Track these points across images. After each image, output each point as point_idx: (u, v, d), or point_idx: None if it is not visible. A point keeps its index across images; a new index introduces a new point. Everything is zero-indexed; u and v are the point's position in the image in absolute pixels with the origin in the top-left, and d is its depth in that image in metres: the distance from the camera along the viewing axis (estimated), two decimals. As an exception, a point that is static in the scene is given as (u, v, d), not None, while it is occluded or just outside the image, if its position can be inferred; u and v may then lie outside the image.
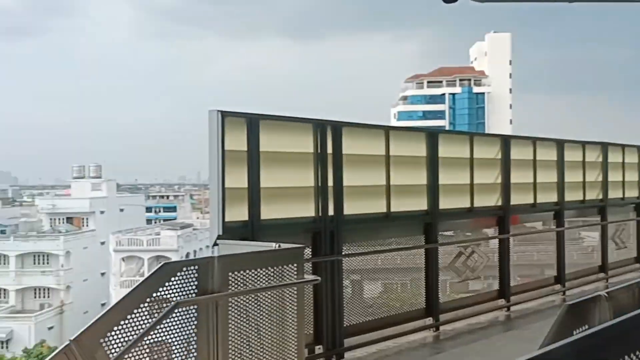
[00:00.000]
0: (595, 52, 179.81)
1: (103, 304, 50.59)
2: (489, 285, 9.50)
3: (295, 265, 4.84)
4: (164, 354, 4.15)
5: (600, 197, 12.12)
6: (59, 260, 56.24)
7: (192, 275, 4.22)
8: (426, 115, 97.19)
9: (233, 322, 4.41)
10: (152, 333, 4.00)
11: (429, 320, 8.05)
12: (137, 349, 3.93)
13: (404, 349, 7.36)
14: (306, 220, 6.64)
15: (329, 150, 6.75)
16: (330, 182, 6.76)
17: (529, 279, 10.78)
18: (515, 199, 9.70)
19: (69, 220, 61.01)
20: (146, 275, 4.20)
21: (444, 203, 8.31)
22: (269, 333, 4.62)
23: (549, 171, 10.71)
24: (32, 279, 56.16)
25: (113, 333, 3.84)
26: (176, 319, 4.13)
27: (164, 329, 4.09)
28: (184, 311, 4.18)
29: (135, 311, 3.93)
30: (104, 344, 3.80)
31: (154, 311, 4.01)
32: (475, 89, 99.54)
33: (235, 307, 4.43)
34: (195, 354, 4.23)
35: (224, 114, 5.70)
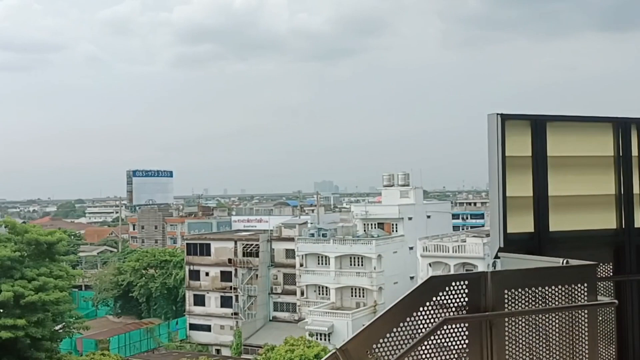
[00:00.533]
0: None
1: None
2: None
3: (585, 284, 4.22)
4: (429, 372, 3.91)
5: None
6: (371, 263, 59.77)
7: (461, 291, 3.99)
8: None
9: (509, 345, 4.03)
10: (417, 349, 3.83)
11: None
12: (402, 363, 3.77)
13: None
14: (606, 233, 5.87)
15: (634, 152, 5.86)
16: (636, 189, 5.86)
17: None
18: None
19: (380, 225, 64.40)
20: (412, 288, 3.94)
21: None
22: (552, 361, 4.14)
23: None
24: (348, 279, 60.70)
25: (378, 345, 3.75)
26: (444, 336, 3.94)
27: (430, 346, 3.89)
28: (452, 328, 3.96)
29: (401, 324, 3.82)
30: (369, 355, 3.74)
31: (421, 326, 3.86)
32: None
33: (512, 329, 4.06)
34: (464, 375, 3.94)
35: (504, 117, 5.36)
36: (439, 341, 3.91)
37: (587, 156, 5.90)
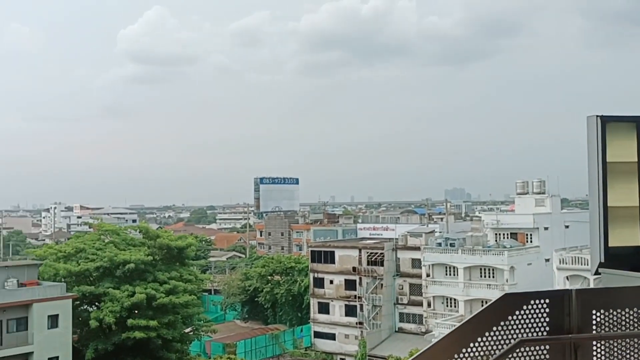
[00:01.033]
0: None
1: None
2: None
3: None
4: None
5: None
6: (503, 275, 56.85)
7: (541, 310, 3.74)
8: None
9: (600, 372, 3.69)
10: (490, 372, 3.57)
11: None
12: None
13: None
14: None
15: None
16: None
17: None
18: None
19: (513, 235, 61.37)
20: (485, 305, 3.66)
21: None
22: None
23: None
24: (478, 291, 58.00)
25: (447, 366, 3.48)
26: (520, 358, 3.68)
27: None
28: (530, 351, 3.69)
29: (471, 344, 3.54)
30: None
31: (494, 347, 3.59)
32: None
33: (602, 354, 3.74)
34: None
35: (605, 120, 5.06)
36: None
37: None
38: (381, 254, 64.82)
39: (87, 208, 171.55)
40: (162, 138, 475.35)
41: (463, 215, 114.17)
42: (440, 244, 60.92)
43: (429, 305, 60.72)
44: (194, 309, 48.14)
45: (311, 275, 69.20)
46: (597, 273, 5.01)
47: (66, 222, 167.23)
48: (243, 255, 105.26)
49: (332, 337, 66.82)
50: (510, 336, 3.62)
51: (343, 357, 65.19)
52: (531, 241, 60.61)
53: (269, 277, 72.84)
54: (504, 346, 3.59)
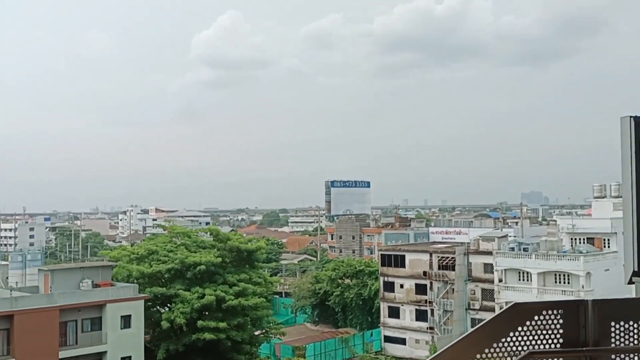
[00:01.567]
0: None
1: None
2: None
3: None
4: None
5: None
6: (579, 281, 54.84)
7: (554, 321, 3.59)
8: None
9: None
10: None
11: None
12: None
13: None
14: None
15: None
16: None
17: None
18: None
19: (590, 240, 59.11)
20: (493, 315, 3.55)
21: None
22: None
23: None
24: (553, 298, 56.14)
25: (452, 377, 3.40)
26: None
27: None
28: None
29: (478, 356, 3.43)
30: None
31: (502, 359, 3.47)
32: None
33: None
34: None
35: (639, 120, 4.83)
36: None
37: None
38: (452, 258, 63.77)
39: (162, 211, 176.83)
40: (235, 142, 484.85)
41: (540, 219, 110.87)
42: (512, 249, 59.38)
43: (501, 311, 59.25)
44: (263, 311, 48.75)
45: (381, 279, 68.82)
46: (630, 282, 4.79)
47: (142, 224, 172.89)
48: (314, 258, 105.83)
49: (402, 341, 66.22)
50: (520, 348, 3.50)
51: (413, 362, 64.45)
52: (609, 246, 58.21)
53: (339, 281, 72.91)
54: (513, 358, 3.47)
